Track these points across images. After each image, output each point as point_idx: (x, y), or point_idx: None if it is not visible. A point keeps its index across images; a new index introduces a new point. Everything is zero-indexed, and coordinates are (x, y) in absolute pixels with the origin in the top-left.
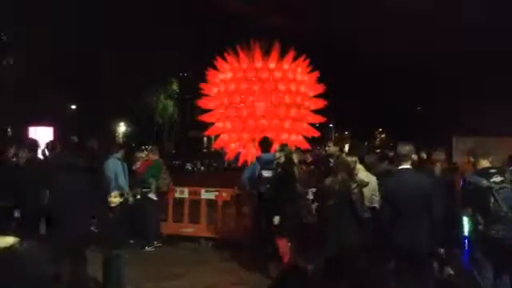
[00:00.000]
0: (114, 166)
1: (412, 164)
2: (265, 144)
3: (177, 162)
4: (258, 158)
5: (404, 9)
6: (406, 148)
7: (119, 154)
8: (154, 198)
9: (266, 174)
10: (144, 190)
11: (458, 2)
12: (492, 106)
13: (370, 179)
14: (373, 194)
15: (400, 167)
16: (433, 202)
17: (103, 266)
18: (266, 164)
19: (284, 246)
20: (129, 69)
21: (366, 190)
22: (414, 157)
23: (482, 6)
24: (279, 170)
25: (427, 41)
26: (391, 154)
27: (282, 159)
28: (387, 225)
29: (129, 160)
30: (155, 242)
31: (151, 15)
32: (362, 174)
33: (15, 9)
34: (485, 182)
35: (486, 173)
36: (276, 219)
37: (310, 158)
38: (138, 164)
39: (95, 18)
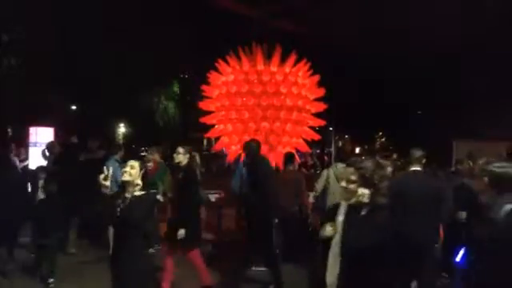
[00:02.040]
0: (113, 167)
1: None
2: (252, 146)
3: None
4: (244, 161)
5: (404, 10)
6: (417, 152)
7: (118, 156)
8: (161, 199)
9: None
10: (151, 191)
11: (458, 2)
12: (493, 109)
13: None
14: None
15: (411, 169)
16: (442, 204)
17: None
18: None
19: (198, 259)
20: (129, 69)
21: None
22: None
23: (483, 6)
24: (181, 174)
25: (427, 43)
26: (380, 159)
27: (185, 162)
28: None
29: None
30: (156, 245)
31: (151, 15)
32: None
33: (15, 9)
34: None
35: None
36: (181, 233)
37: (310, 161)
38: (150, 165)
39: (95, 18)
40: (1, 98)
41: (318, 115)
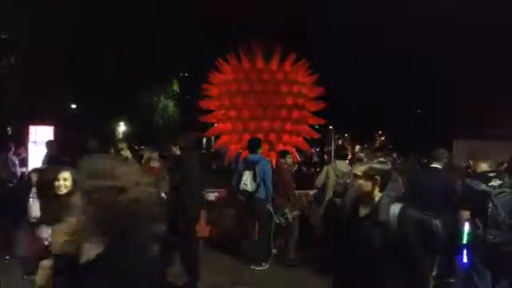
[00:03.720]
0: None
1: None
2: (252, 144)
3: None
4: (244, 159)
5: (404, 10)
6: (438, 151)
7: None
8: (164, 196)
9: (248, 174)
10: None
11: (458, 2)
12: (492, 108)
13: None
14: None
15: (431, 165)
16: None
17: None
18: (249, 164)
19: None
20: (129, 69)
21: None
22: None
23: (483, 6)
24: None
25: (427, 42)
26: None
27: None
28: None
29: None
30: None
31: (151, 15)
32: (341, 164)
33: (15, 8)
34: (483, 186)
35: (484, 176)
36: None
37: (315, 158)
38: (156, 163)
39: (95, 18)
40: (1, 97)
41: (317, 114)
